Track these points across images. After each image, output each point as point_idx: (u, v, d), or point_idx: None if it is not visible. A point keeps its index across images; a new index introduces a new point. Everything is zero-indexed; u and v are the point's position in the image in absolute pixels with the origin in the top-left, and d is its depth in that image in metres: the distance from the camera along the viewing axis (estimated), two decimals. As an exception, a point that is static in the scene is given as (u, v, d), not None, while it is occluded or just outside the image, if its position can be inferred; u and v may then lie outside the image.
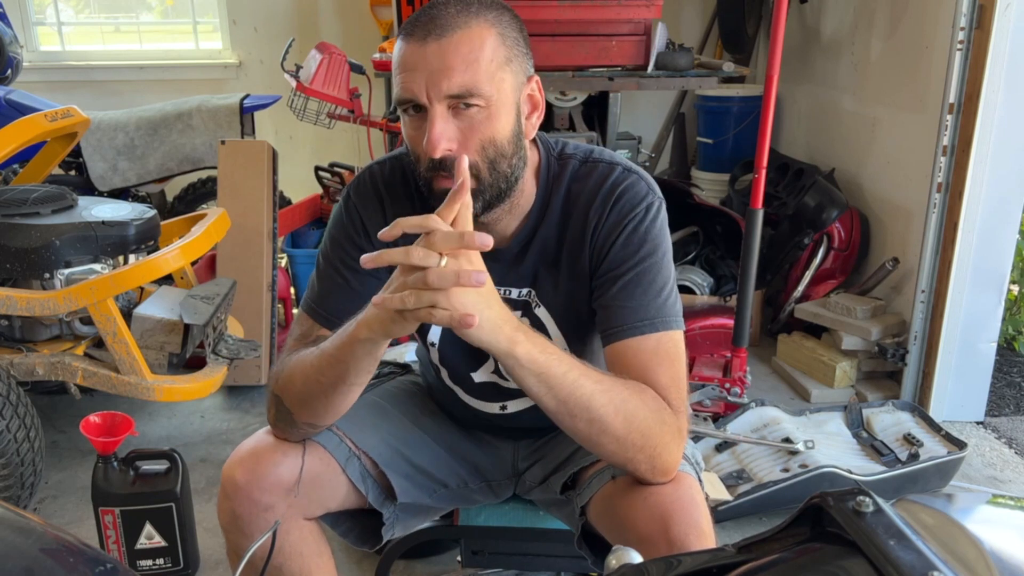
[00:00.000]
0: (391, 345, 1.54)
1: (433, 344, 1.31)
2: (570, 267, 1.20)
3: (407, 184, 1.22)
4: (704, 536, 1.04)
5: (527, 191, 1.19)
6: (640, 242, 1.15)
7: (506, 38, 1.07)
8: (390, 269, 1.10)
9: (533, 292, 1.23)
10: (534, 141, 1.20)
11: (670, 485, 1.09)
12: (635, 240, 1.15)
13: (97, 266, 2.25)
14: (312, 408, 1.12)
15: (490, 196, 1.10)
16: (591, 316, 1.20)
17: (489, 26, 1.05)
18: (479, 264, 0.93)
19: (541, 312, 1.23)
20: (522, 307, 1.24)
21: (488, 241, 0.90)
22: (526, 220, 1.20)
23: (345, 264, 1.21)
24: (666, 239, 1.18)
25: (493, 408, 1.36)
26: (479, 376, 1.33)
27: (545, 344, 1.02)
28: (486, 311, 0.94)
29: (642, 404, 1.06)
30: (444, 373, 1.35)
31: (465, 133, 1.06)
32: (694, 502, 1.08)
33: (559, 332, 1.24)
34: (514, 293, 1.23)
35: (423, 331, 1.30)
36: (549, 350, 1.02)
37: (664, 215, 1.18)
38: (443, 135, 1.04)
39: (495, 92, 1.05)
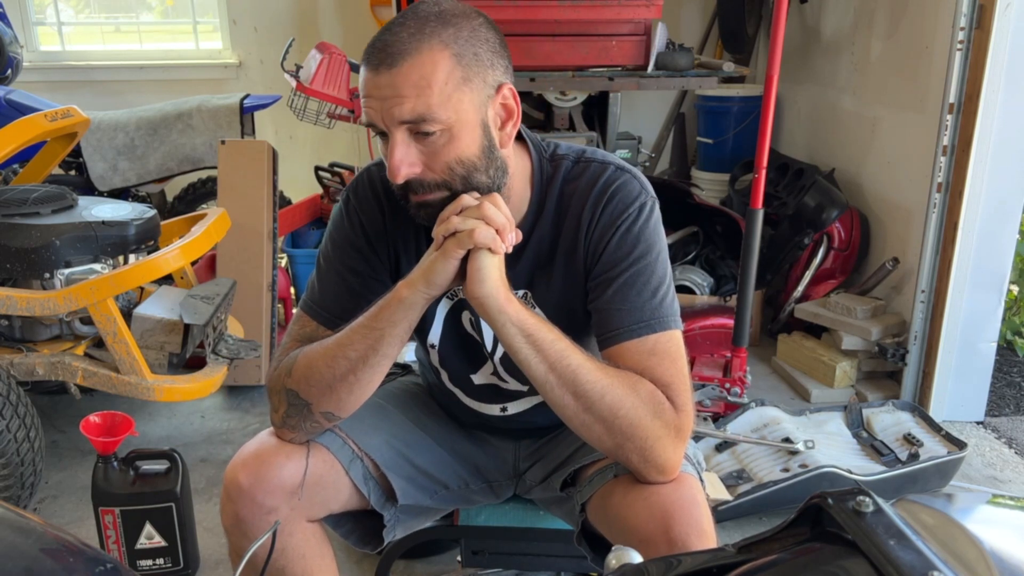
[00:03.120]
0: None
1: (433, 346, 1.31)
2: (565, 268, 1.20)
3: None
4: (705, 536, 1.04)
5: (518, 195, 1.18)
6: (633, 243, 1.14)
7: (463, 57, 1.04)
8: (392, 270, 1.24)
9: (529, 294, 1.23)
10: (524, 145, 1.20)
11: (671, 485, 1.09)
12: (628, 241, 1.14)
13: (97, 266, 2.25)
14: (335, 393, 1.13)
15: None
16: (587, 316, 1.20)
17: (442, 47, 1.03)
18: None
19: (537, 313, 1.23)
20: None
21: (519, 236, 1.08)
22: (521, 223, 1.20)
23: (346, 266, 1.21)
24: (660, 239, 1.17)
25: (494, 410, 1.36)
26: (479, 378, 1.33)
27: (537, 315, 1.09)
28: (494, 271, 1.04)
29: (632, 391, 1.06)
30: (444, 376, 1.35)
31: (429, 156, 1.06)
32: (695, 502, 1.07)
33: None
34: None
35: (422, 332, 1.30)
36: (539, 319, 1.08)
37: (658, 215, 1.18)
38: (403, 161, 1.05)
39: (453, 114, 1.04)
